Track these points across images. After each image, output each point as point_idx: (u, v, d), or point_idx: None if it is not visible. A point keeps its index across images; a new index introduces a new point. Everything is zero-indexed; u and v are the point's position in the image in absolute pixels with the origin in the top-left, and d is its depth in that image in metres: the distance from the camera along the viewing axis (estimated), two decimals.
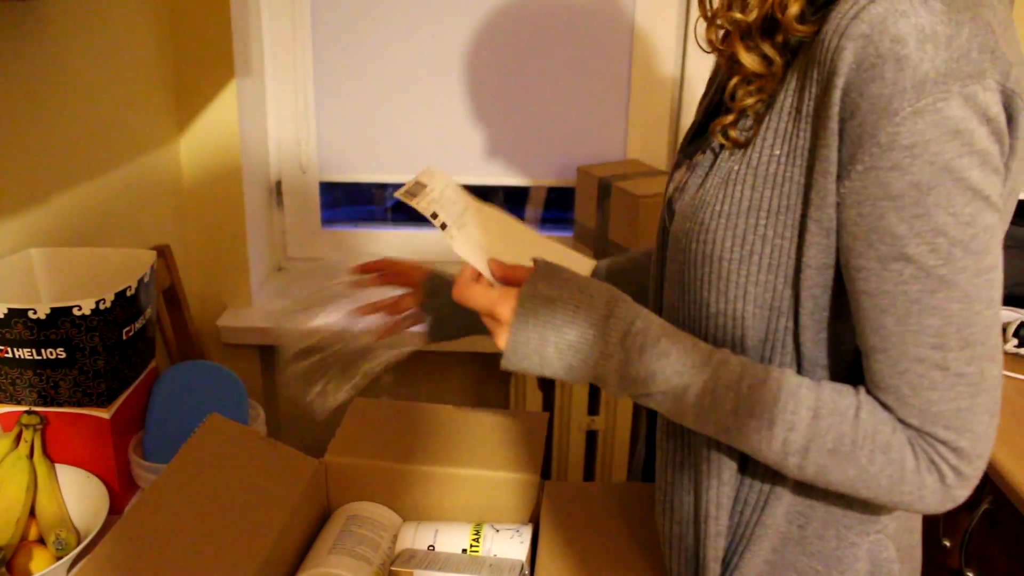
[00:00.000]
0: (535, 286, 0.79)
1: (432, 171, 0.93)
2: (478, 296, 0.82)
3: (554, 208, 2.08)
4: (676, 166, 0.91)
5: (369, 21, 1.79)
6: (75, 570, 1.02)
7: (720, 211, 0.76)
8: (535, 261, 0.82)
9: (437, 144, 1.88)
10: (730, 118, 0.78)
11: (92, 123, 1.42)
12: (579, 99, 1.83)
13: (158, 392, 1.22)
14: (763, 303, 0.75)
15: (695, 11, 1.67)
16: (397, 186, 0.88)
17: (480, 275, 0.86)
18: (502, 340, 0.80)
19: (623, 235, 1.62)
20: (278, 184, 1.90)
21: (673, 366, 0.75)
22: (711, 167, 0.80)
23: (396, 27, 1.79)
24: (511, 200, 2.59)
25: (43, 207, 1.30)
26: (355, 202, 2.42)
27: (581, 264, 1.06)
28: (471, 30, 1.78)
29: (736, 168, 0.76)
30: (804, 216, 0.71)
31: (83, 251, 1.26)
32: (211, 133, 1.72)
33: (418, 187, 0.89)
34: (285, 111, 1.85)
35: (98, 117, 1.44)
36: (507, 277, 0.85)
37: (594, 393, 1.78)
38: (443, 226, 0.86)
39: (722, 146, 0.79)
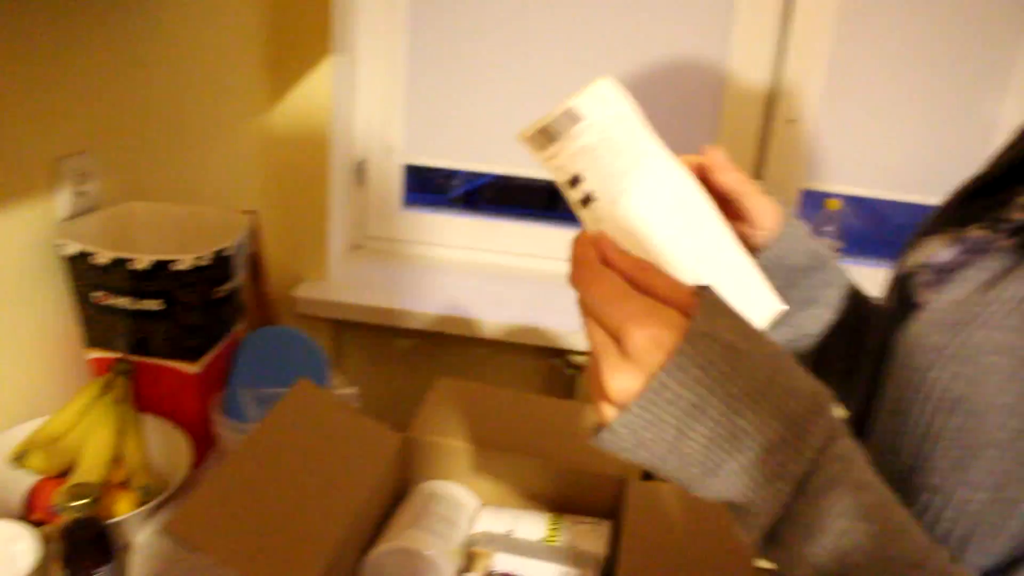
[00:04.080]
0: (712, 323, 0.50)
1: (602, 92, 0.60)
2: (613, 292, 0.52)
3: None
4: (927, 229, 0.69)
5: (468, 5, 1.80)
6: (165, 518, 1.04)
7: (1013, 359, 0.52)
8: (701, 291, 0.52)
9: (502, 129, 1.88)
10: None
11: (192, 88, 1.44)
12: (668, 94, 1.82)
13: (244, 353, 1.23)
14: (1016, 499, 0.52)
15: (796, 22, 1.66)
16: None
17: (613, 256, 0.54)
18: (624, 383, 0.50)
19: None
20: (362, 163, 1.92)
21: (855, 537, 0.46)
22: (1008, 269, 0.56)
23: (494, 15, 1.79)
24: None
25: (144, 164, 1.32)
26: (421, 189, 2.43)
27: (763, 305, 0.66)
28: (571, 21, 1.78)
29: None
30: None
31: (181, 208, 1.28)
32: (303, 107, 1.74)
33: (564, 122, 0.59)
34: (376, 91, 1.86)
35: (198, 82, 1.46)
36: (656, 291, 0.52)
37: None
38: (586, 200, 0.59)
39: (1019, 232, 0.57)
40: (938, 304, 0.59)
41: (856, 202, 1.81)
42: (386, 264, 1.93)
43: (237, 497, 0.88)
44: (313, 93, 1.73)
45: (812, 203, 1.81)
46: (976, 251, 0.61)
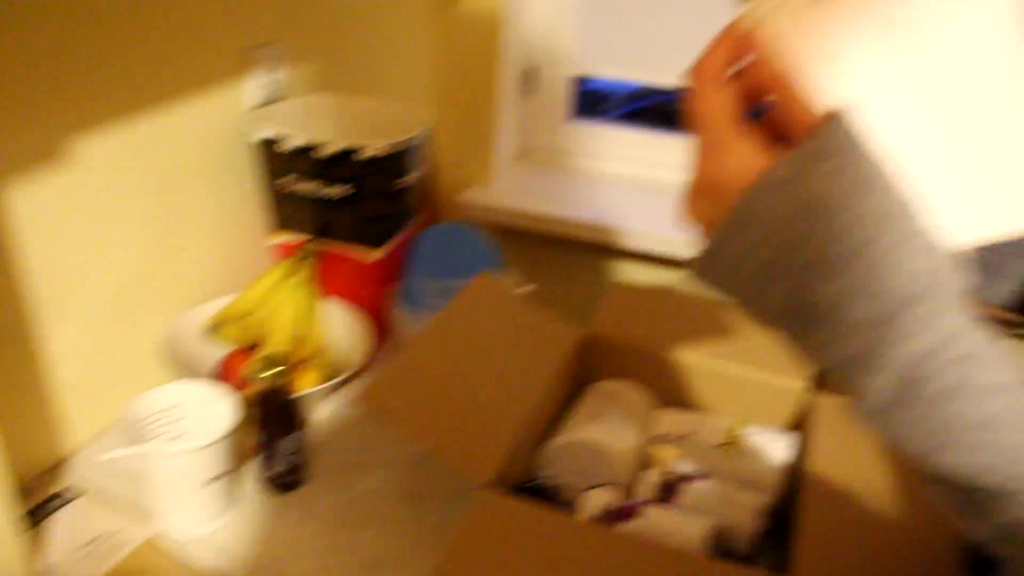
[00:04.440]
0: (810, 162, 0.42)
1: None
2: (719, 112, 0.46)
3: None
4: None
5: None
6: (345, 396, 1.07)
7: None
8: (831, 120, 0.42)
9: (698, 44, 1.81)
10: None
11: None
12: None
13: (422, 245, 1.25)
14: None
15: None
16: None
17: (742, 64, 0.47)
18: (703, 209, 0.48)
19: None
20: (532, 71, 1.90)
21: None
22: None
23: None
24: None
25: (328, 57, 1.34)
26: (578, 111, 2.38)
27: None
28: None
29: None
30: None
31: (363, 100, 1.29)
32: (479, 9, 1.72)
33: None
34: None
35: None
36: (789, 106, 0.44)
37: None
38: None
39: None
40: None
41: None
42: (552, 175, 1.91)
43: (423, 377, 0.90)
44: None
45: None
46: None
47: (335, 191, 1.12)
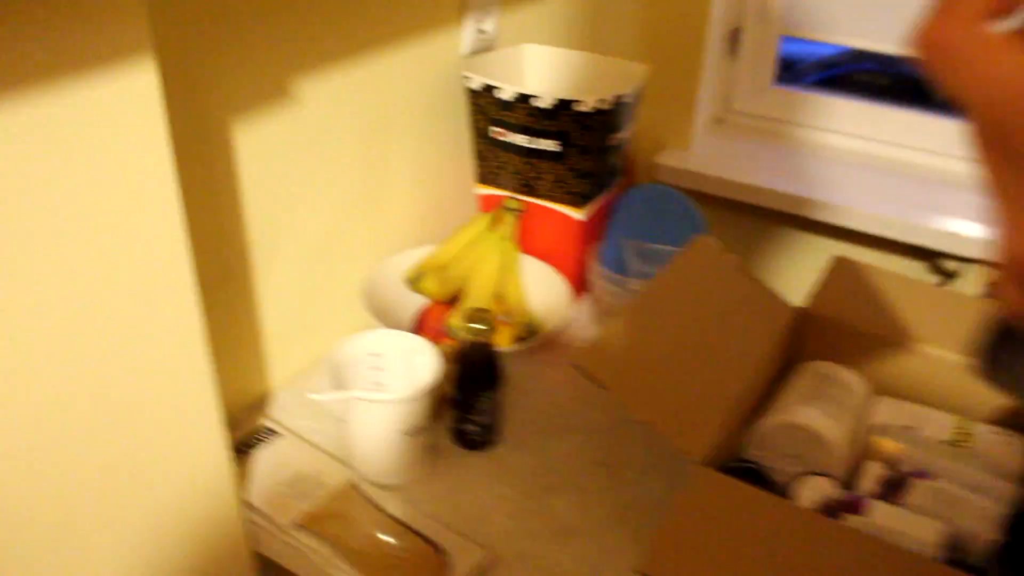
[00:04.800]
0: None
1: None
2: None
3: None
4: None
5: None
6: (559, 353, 1.04)
7: None
8: None
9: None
10: None
11: None
12: None
13: (625, 206, 1.20)
14: None
15: None
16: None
17: None
18: None
19: None
20: (737, 31, 1.81)
21: None
22: None
23: None
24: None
25: (535, 5, 1.30)
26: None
27: None
28: None
29: None
30: None
31: (573, 54, 1.25)
32: None
33: None
34: None
35: None
36: None
37: None
38: None
39: None
40: None
41: None
42: (753, 142, 1.83)
43: (638, 344, 0.86)
44: None
45: None
46: None
47: (545, 144, 1.09)
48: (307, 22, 0.91)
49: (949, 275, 1.62)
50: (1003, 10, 0.28)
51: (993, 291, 0.32)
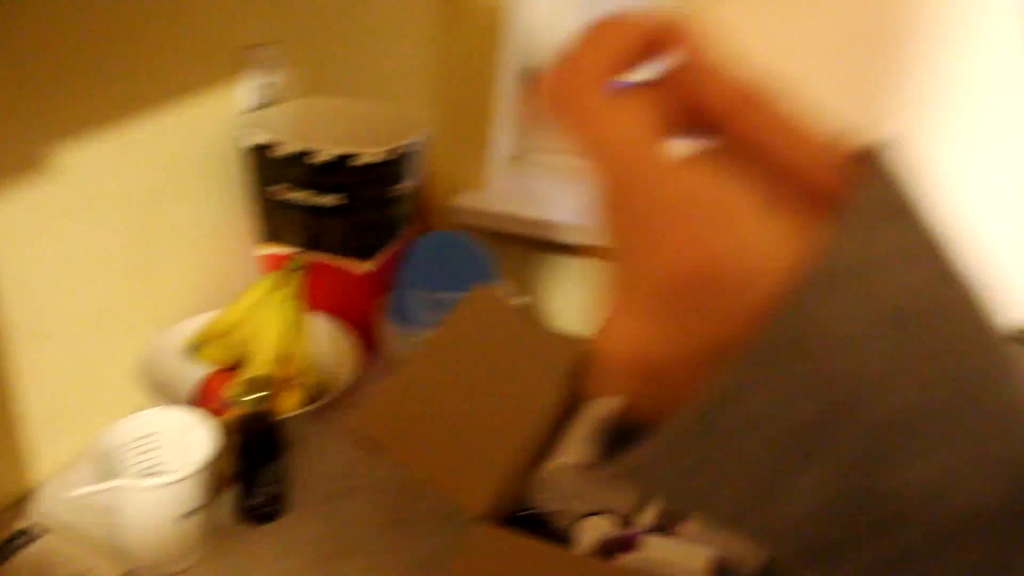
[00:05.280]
0: (873, 236, 0.24)
1: None
2: (648, 154, 0.26)
3: None
4: None
5: None
6: (331, 418, 1.02)
7: None
8: (866, 160, 0.26)
9: None
10: None
11: None
12: None
13: (414, 255, 1.20)
14: None
15: None
16: None
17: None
18: (642, 338, 0.26)
19: None
20: (531, 70, 1.85)
21: None
22: None
23: None
24: None
25: (325, 59, 1.29)
26: None
27: None
28: None
29: None
30: None
31: (360, 103, 1.24)
32: (476, 8, 1.67)
33: None
34: None
35: None
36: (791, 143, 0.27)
37: None
38: None
39: None
40: None
41: None
42: (548, 177, 1.87)
43: (415, 401, 0.85)
44: None
45: None
46: None
47: (327, 200, 1.07)
48: (68, 82, 0.86)
49: None
50: (628, 65, 0.28)
51: (601, 388, 0.29)
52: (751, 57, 0.29)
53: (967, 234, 0.27)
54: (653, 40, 0.28)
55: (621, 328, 0.26)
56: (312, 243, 1.11)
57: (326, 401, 1.01)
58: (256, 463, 0.89)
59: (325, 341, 1.10)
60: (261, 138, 1.06)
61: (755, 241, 0.24)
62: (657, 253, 0.25)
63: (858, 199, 0.25)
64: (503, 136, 1.82)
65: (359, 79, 1.40)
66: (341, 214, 1.07)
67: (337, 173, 1.05)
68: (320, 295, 1.13)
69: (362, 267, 1.12)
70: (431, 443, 0.80)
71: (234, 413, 0.89)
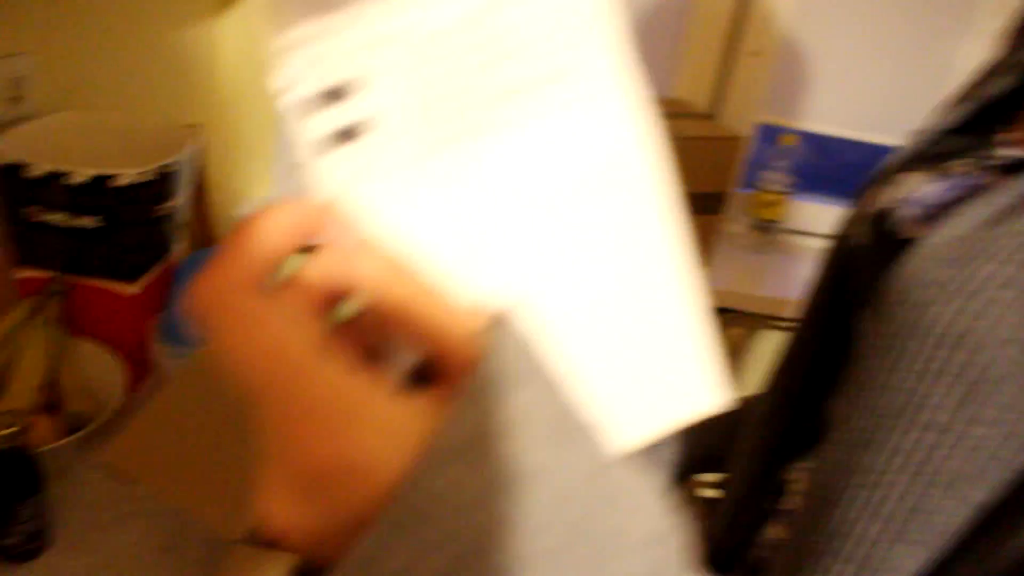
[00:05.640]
0: (499, 399, 0.29)
1: None
2: (288, 351, 0.29)
3: None
4: (900, 166, 0.67)
5: None
6: (97, 447, 0.99)
7: (1018, 291, 0.50)
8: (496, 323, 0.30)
9: None
10: None
11: None
12: (629, 26, 1.77)
13: (185, 275, 1.18)
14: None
15: None
16: None
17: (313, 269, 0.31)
18: (297, 516, 0.30)
19: None
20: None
21: None
22: (1015, 206, 0.53)
23: None
24: None
25: (84, 70, 1.24)
26: None
27: (692, 399, 0.41)
28: None
29: None
30: None
31: (122, 118, 1.20)
32: (252, 16, 1.65)
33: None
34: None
35: None
36: (416, 321, 0.31)
37: None
38: (350, 132, 0.33)
39: (1013, 169, 0.57)
40: (938, 239, 0.55)
41: (810, 138, 1.80)
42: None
43: (171, 427, 0.84)
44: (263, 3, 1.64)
45: (767, 137, 1.79)
46: (972, 187, 0.59)
47: (85, 221, 1.04)
48: None
49: None
50: (280, 258, 0.30)
51: (265, 506, 0.31)
52: (394, 235, 0.32)
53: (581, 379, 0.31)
54: (303, 228, 0.31)
55: (273, 502, 0.30)
56: (73, 266, 1.07)
57: (92, 429, 0.98)
58: (11, 501, 0.85)
59: (91, 366, 1.07)
60: (11, 158, 1.01)
61: (381, 431, 0.28)
62: (295, 446, 0.29)
63: (481, 370, 0.29)
64: (286, 144, 1.81)
65: (124, 92, 1.36)
66: (101, 236, 1.04)
67: (95, 194, 1.01)
68: (87, 319, 1.10)
69: (128, 289, 1.09)
70: (187, 470, 0.80)
71: None
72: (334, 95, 0.32)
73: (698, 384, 0.39)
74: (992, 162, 0.59)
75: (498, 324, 0.30)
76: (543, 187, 0.35)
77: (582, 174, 0.35)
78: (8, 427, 0.84)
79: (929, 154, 0.66)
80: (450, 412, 0.28)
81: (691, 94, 1.79)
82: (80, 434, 0.97)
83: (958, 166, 0.61)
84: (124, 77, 1.35)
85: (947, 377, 0.51)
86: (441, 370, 0.31)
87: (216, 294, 0.29)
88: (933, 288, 0.53)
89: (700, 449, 0.94)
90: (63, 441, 0.95)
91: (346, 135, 0.32)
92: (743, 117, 1.77)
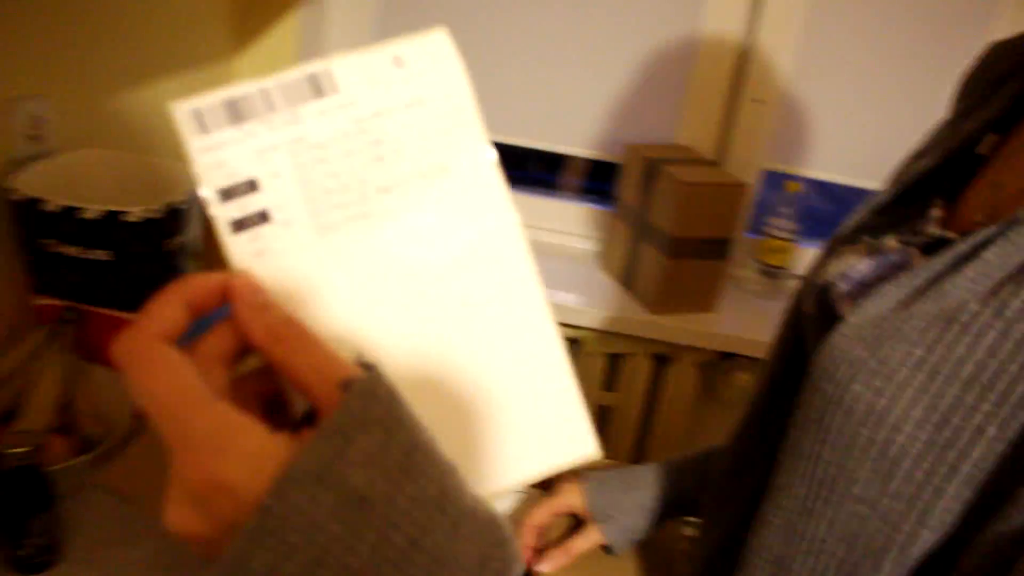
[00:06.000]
0: (346, 444, 0.35)
1: (405, 53, 0.43)
2: (171, 394, 0.36)
3: (594, 180, 2.05)
4: (845, 238, 0.69)
5: None
6: (104, 468, 1.05)
7: (924, 373, 0.53)
8: (354, 383, 0.37)
9: (486, 96, 1.87)
10: (986, 198, 0.59)
11: (154, 34, 1.43)
12: (636, 75, 1.82)
13: None
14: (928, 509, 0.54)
15: (767, 8, 1.67)
16: None
17: (248, 311, 0.39)
18: (191, 525, 0.37)
19: (665, 220, 1.62)
20: None
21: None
22: (925, 287, 0.56)
23: None
24: (545, 164, 2.56)
25: (102, 111, 1.31)
26: None
27: (571, 444, 0.46)
28: None
29: (972, 305, 0.52)
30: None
31: (135, 157, 1.27)
32: (267, 57, 1.72)
33: (294, 92, 0.41)
34: (344, 43, 1.85)
35: (160, 29, 1.44)
36: (298, 372, 0.38)
37: (614, 366, 1.79)
38: (252, 220, 0.41)
39: (944, 244, 0.58)
40: (859, 318, 0.58)
41: (815, 184, 1.84)
42: None
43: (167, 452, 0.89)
44: (278, 44, 1.72)
45: (773, 183, 1.83)
46: (894, 266, 0.62)
47: (98, 254, 1.10)
48: None
49: (573, 341, 1.78)
50: (192, 318, 0.39)
51: (171, 516, 0.38)
52: (290, 300, 0.41)
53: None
54: (204, 296, 0.40)
55: (171, 509, 0.38)
56: (87, 295, 1.13)
57: (101, 450, 1.03)
58: (23, 515, 0.90)
59: (103, 391, 1.13)
60: (29, 194, 1.08)
61: (245, 459, 0.36)
62: (182, 468, 0.36)
63: (337, 414, 0.36)
64: None
65: (140, 132, 1.43)
66: (114, 268, 1.10)
67: (107, 229, 1.08)
68: (100, 346, 1.15)
69: None
70: None
71: (1, 465, 0.90)
72: (232, 192, 0.40)
73: (569, 434, 0.46)
74: (916, 240, 0.61)
75: (360, 378, 0.37)
76: (422, 262, 0.43)
77: (457, 252, 0.43)
78: (23, 446, 0.89)
79: (870, 226, 0.68)
80: (305, 445, 0.35)
81: (696, 141, 1.84)
82: (91, 455, 1.02)
83: (891, 241, 0.63)
84: (140, 117, 1.42)
85: (872, 453, 0.55)
86: (312, 410, 0.38)
87: (130, 344, 0.37)
88: (854, 366, 0.56)
89: (675, 494, 0.98)
90: (74, 461, 1.00)
91: (246, 223, 0.41)
92: (748, 164, 1.81)
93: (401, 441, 0.37)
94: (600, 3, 1.77)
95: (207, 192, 0.40)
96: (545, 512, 0.99)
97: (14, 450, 0.89)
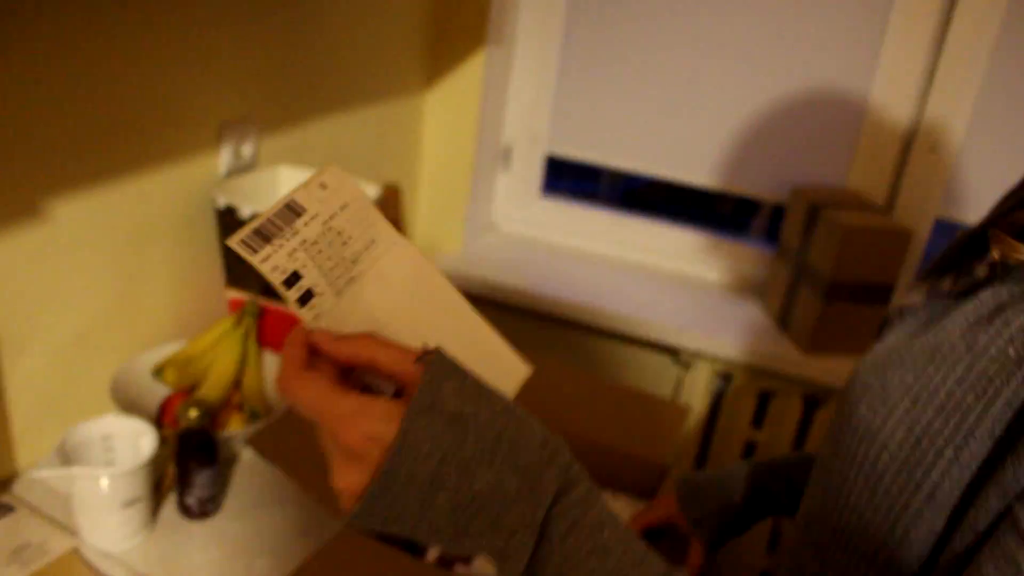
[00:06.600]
0: (434, 394, 0.53)
1: (326, 180, 0.64)
2: (318, 397, 0.55)
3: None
4: (925, 273, 0.72)
5: (623, 6, 1.89)
6: (264, 441, 1.21)
7: (909, 399, 0.58)
8: (429, 354, 0.56)
9: (660, 135, 1.96)
10: None
11: (351, 67, 1.62)
12: (808, 117, 1.85)
13: None
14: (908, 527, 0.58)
15: (946, 54, 1.66)
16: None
17: (328, 347, 0.58)
18: (353, 479, 0.54)
19: (824, 263, 1.65)
20: (509, 149, 2.05)
21: (602, 572, 0.54)
22: (930, 321, 0.63)
23: (650, 17, 1.88)
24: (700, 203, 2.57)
25: (295, 131, 1.51)
26: (581, 177, 2.52)
27: (511, 370, 0.68)
28: (718, 31, 1.84)
29: (954, 339, 0.58)
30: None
31: None
32: (455, 92, 1.88)
33: (284, 217, 0.60)
34: (528, 82, 1.99)
35: (357, 62, 1.63)
36: (381, 365, 0.57)
37: (764, 403, 1.82)
38: (305, 297, 0.60)
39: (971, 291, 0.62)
40: (881, 347, 0.64)
41: None
42: (519, 246, 2.06)
43: (310, 425, 1.04)
44: (465, 80, 1.88)
45: (945, 233, 1.80)
46: (928, 303, 0.66)
47: None
48: (62, 148, 1.08)
49: (686, 365, 1.86)
50: (305, 362, 0.57)
51: (338, 482, 0.56)
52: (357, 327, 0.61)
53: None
54: (308, 338, 0.58)
55: (337, 472, 0.56)
56: (269, 291, 1.31)
57: (263, 425, 1.20)
58: (191, 469, 1.08)
59: (271, 374, 1.30)
60: (227, 201, 1.27)
61: (374, 419, 0.54)
62: (339, 436, 0.54)
63: (425, 374, 0.54)
64: (478, 207, 2.02)
65: (333, 153, 1.62)
66: None
67: None
68: (274, 336, 1.33)
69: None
70: (315, 458, 0.99)
71: (179, 426, 1.08)
72: (289, 282, 0.59)
73: (507, 367, 0.68)
74: (966, 280, 0.64)
75: (430, 352, 0.56)
76: (395, 296, 0.65)
77: (407, 287, 0.66)
78: (198, 410, 1.06)
79: (939, 267, 0.71)
80: (413, 396, 0.53)
81: (867, 187, 1.84)
82: (255, 427, 1.19)
83: (947, 282, 0.67)
84: (330, 139, 1.61)
85: (865, 467, 0.60)
86: (406, 390, 0.57)
87: (283, 374, 0.57)
88: (865, 390, 0.62)
89: (764, 497, 1.02)
90: (239, 430, 1.17)
91: (303, 298, 0.60)
92: (922, 212, 1.80)
93: (470, 380, 0.55)
94: (778, 51, 1.82)
95: (277, 286, 0.59)
96: (639, 525, 1.06)
97: (190, 413, 1.06)
